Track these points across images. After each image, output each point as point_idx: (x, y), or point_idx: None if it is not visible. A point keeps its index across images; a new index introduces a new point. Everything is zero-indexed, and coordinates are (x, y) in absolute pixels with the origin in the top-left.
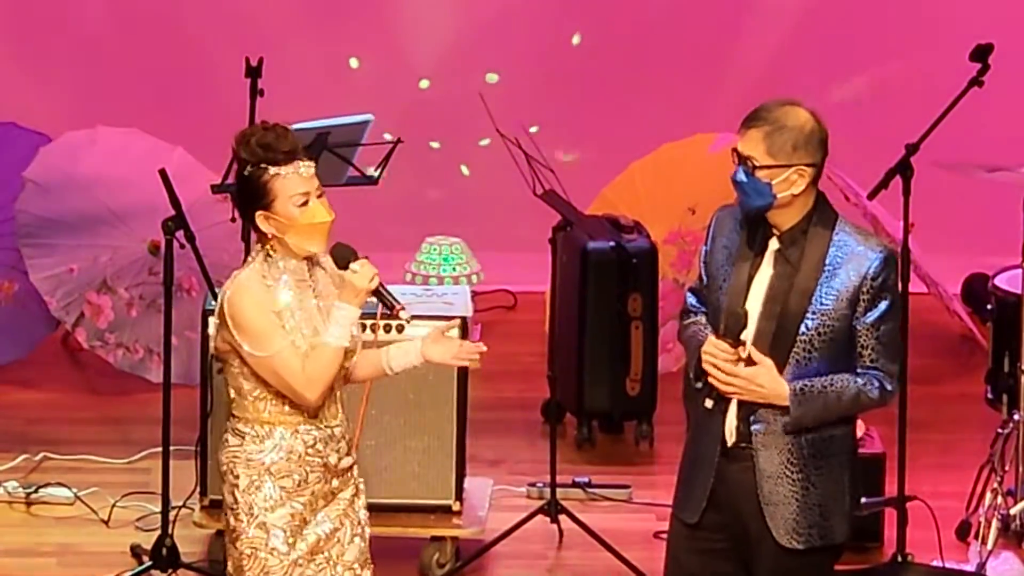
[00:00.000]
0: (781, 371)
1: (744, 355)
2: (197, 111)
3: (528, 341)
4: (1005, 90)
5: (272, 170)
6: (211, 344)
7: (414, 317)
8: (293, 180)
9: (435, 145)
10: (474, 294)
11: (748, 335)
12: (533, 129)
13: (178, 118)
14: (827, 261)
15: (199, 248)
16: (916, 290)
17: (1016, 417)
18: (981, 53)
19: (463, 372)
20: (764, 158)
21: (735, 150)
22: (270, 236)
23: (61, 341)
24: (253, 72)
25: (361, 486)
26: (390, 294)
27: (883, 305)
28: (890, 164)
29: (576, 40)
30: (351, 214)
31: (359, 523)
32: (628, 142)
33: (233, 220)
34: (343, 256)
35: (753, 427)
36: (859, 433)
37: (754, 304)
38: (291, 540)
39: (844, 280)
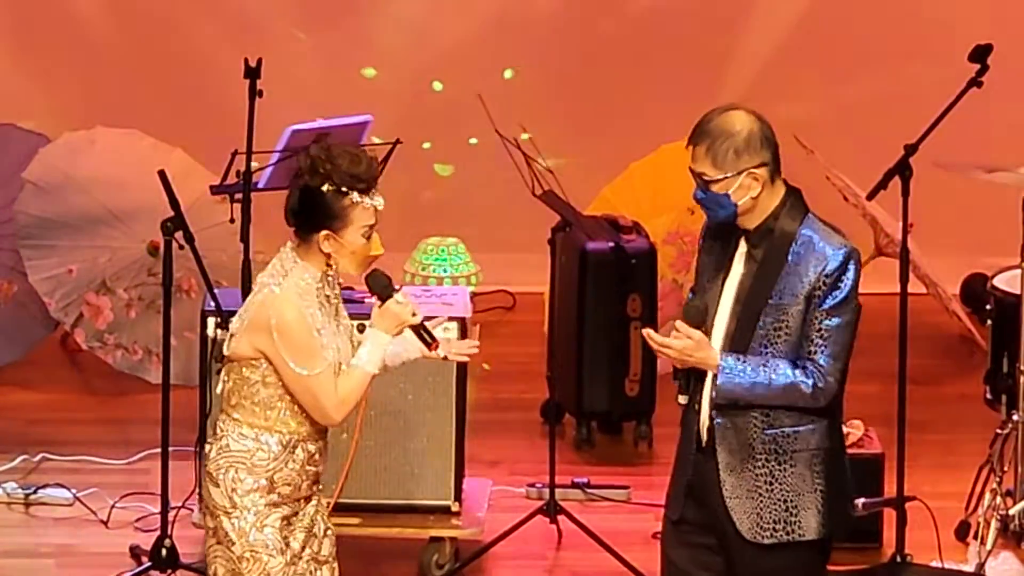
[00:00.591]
0: None
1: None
2: (196, 112)
3: (527, 342)
4: (1004, 91)
5: (355, 197)
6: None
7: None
8: (370, 212)
9: (426, 146)
10: (473, 295)
11: (719, 333)
12: (524, 136)
13: (177, 119)
14: (789, 258)
15: (198, 249)
16: (915, 291)
17: (1015, 417)
18: (980, 54)
19: (462, 373)
20: (712, 172)
21: (690, 168)
22: (328, 255)
23: (60, 342)
24: (252, 73)
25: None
26: (427, 330)
27: (833, 300)
28: (889, 165)
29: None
30: None
31: (327, 517)
32: (627, 142)
33: (232, 221)
34: (381, 284)
35: (715, 421)
36: (858, 433)
37: (726, 304)
38: (285, 541)
39: (803, 277)
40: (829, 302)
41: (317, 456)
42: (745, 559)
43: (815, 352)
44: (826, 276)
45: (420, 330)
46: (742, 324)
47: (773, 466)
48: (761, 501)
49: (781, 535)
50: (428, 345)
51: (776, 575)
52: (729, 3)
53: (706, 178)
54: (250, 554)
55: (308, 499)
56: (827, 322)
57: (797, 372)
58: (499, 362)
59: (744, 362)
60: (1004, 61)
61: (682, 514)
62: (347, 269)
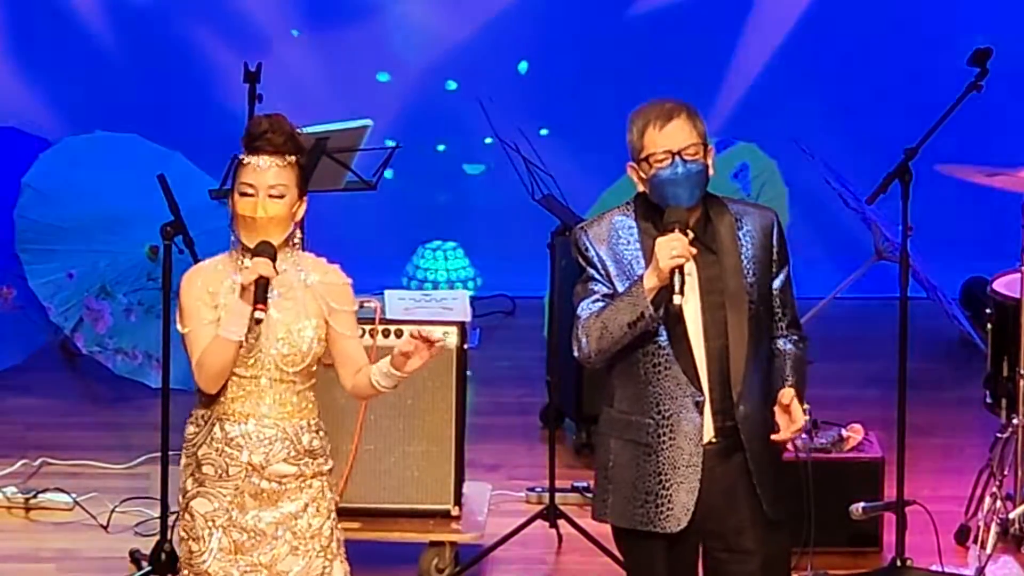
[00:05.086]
0: (744, 352)
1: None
2: (196, 116)
3: (527, 346)
4: (1004, 94)
5: (241, 153)
6: None
7: (413, 322)
8: (246, 170)
9: (441, 148)
10: (473, 299)
11: (696, 329)
12: (543, 132)
13: (177, 123)
14: (739, 236)
15: (198, 253)
16: (915, 294)
17: (1015, 421)
18: (980, 58)
19: (462, 377)
20: (700, 140)
21: (662, 148)
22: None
23: (60, 347)
24: (252, 77)
25: (322, 507)
26: (262, 294)
27: (785, 265)
28: (889, 168)
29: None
30: (350, 218)
31: (308, 538)
32: (626, 146)
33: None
34: (255, 253)
35: (740, 412)
36: (858, 437)
37: (689, 297)
38: (208, 531)
39: (758, 248)
40: (785, 269)
41: (242, 441)
42: (760, 542)
43: (788, 313)
44: (777, 242)
45: (258, 287)
46: (734, 312)
47: (771, 443)
48: (777, 479)
49: (785, 510)
50: (254, 305)
51: (783, 553)
52: (730, 7)
53: (695, 146)
54: (184, 535)
55: (262, 499)
56: (789, 287)
57: (791, 344)
58: (499, 367)
59: (788, 366)
60: (1004, 64)
61: (688, 524)
62: (238, 232)
